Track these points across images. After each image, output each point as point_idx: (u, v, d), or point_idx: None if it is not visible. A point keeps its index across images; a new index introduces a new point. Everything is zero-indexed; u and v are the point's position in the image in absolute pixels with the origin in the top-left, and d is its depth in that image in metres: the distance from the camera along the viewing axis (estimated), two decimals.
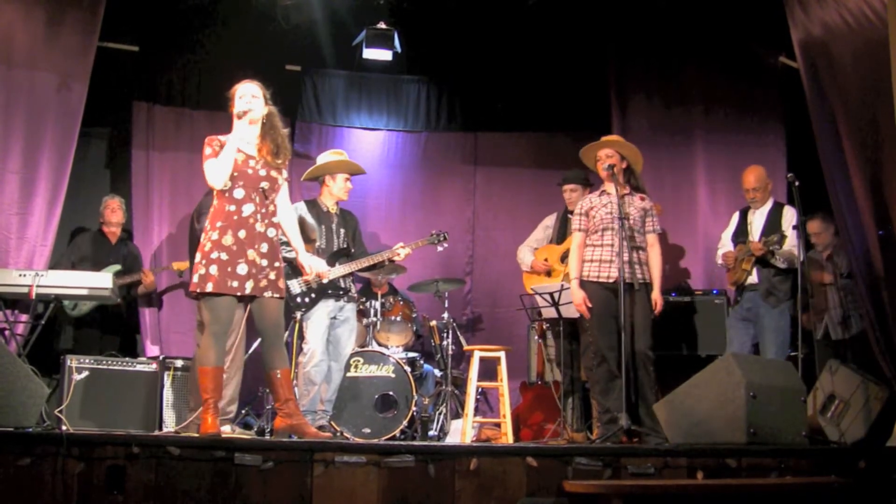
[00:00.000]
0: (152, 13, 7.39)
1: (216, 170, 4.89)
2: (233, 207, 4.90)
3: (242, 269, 4.85)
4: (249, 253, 4.88)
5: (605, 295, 5.76)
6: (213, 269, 4.81)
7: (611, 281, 5.76)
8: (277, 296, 4.98)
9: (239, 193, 4.92)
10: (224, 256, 4.83)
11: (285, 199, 5.17)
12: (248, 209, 4.92)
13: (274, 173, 5.06)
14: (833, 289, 6.57)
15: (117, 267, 6.88)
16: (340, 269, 6.24)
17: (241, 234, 4.88)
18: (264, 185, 4.99)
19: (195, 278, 4.85)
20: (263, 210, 4.98)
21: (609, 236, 5.81)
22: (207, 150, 4.94)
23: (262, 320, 4.98)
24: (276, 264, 4.99)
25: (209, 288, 4.80)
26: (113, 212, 7.06)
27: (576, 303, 5.84)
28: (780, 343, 6.27)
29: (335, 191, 6.41)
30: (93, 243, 6.99)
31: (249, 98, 5.04)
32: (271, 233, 5.00)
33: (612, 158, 5.92)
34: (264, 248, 4.94)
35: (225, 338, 4.98)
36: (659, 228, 5.96)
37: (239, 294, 4.86)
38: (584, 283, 5.86)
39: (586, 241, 5.94)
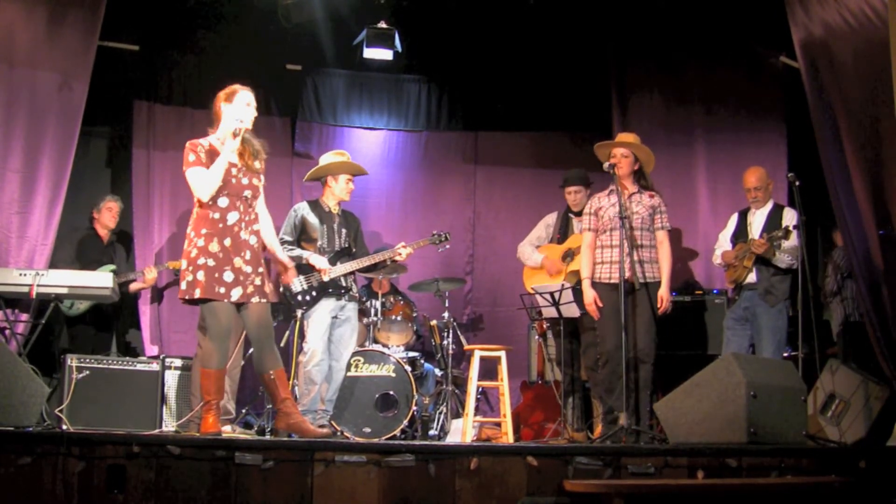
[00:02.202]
0: (153, 12, 7.38)
1: (206, 182, 4.87)
2: (217, 216, 4.91)
3: (228, 276, 4.87)
4: (236, 261, 4.90)
5: (614, 296, 5.73)
6: (201, 275, 4.82)
7: (613, 281, 5.75)
8: (264, 300, 5.00)
9: (223, 202, 4.93)
10: (211, 263, 4.84)
11: (262, 203, 5.20)
12: (232, 217, 4.93)
13: (255, 180, 5.06)
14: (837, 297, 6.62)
15: (112, 267, 6.87)
16: (341, 268, 6.24)
17: (227, 242, 4.89)
18: (247, 193, 5.00)
19: (183, 285, 4.87)
20: (247, 218, 5.00)
21: (616, 237, 5.80)
22: (191, 157, 4.91)
23: (251, 324, 5.01)
24: (260, 269, 5.02)
25: (196, 294, 4.82)
26: (112, 214, 7.03)
27: (587, 302, 5.84)
28: (776, 342, 6.25)
29: (337, 191, 6.41)
30: (86, 243, 6.94)
31: (253, 110, 5.05)
32: (253, 240, 5.02)
33: (628, 158, 5.92)
34: (248, 255, 4.96)
35: (227, 341, 4.99)
36: (668, 225, 5.96)
37: (225, 301, 4.87)
38: (593, 284, 5.87)
39: (599, 242, 5.92)
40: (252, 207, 5.05)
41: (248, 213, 5.01)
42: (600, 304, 5.79)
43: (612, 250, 5.81)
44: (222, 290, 4.84)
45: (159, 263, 7.35)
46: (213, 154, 4.95)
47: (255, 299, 4.94)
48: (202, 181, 4.87)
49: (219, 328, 4.89)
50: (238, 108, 5.01)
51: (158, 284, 7.45)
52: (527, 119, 8.30)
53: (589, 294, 5.84)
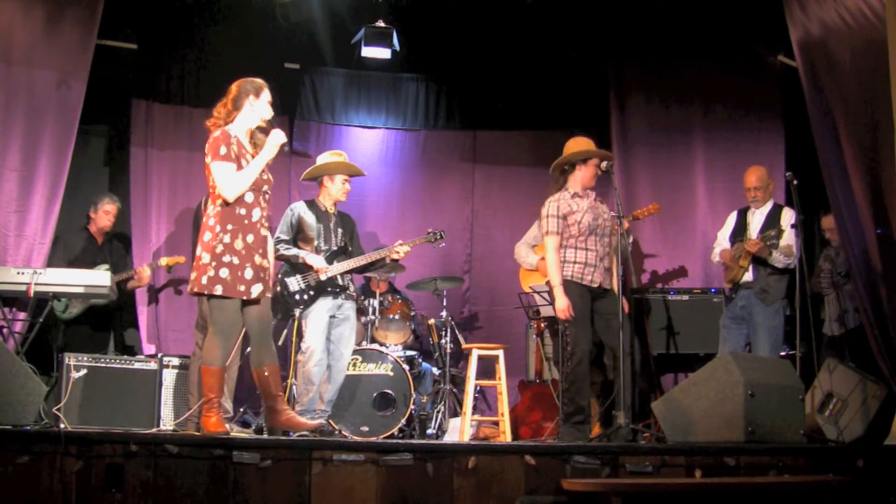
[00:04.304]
0: (151, 11, 7.38)
1: (236, 184, 4.83)
2: (243, 211, 4.89)
3: (248, 273, 4.86)
4: (256, 258, 4.91)
5: (587, 298, 5.66)
6: (224, 273, 4.79)
7: (595, 285, 5.66)
8: (269, 294, 5.04)
9: (249, 198, 4.91)
10: (235, 261, 4.82)
11: None
12: (256, 214, 4.93)
13: (270, 176, 5.08)
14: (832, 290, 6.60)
15: (106, 267, 6.84)
16: (338, 267, 6.23)
17: (250, 238, 4.88)
18: (265, 187, 5.01)
19: (203, 279, 4.79)
20: (265, 213, 5.03)
21: (593, 241, 5.69)
22: (223, 150, 4.83)
23: (255, 317, 5.01)
24: (268, 263, 5.07)
25: (218, 291, 4.78)
26: (108, 215, 6.97)
27: (560, 308, 5.59)
28: (773, 342, 6.25)
29: (333, 192, 6.38)
30: (81, 244, 6.88)
31: (271, 108, 5.06)
32: (266, 234, 5.06)
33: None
34: (263, 250, 4.99)
35: (230, 338, 4.98)
36: None
37: (245, 298, 4.87)
38: (567, 285, 5.64)
39: (567, 244, 5.71)
40: (268, 203, 5.07)
41: (266, 208, 5.03)
42: (572, 314, 5.59)
43: (587, 253, 5.68)
44: (242, 287, 4.84)
45: (151, 262, 7.32)
46: (240, 148, 4.92)
47: (266, 294, 5.00)
48: (232, 182, 4.82)
49: (226, 325, 4.89)
50: (263, 105, 4.99)
51: (155, 284, 7.44)
52: (525, 118, 8.30)
53: (563, 301, 5.58)
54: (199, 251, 4.87)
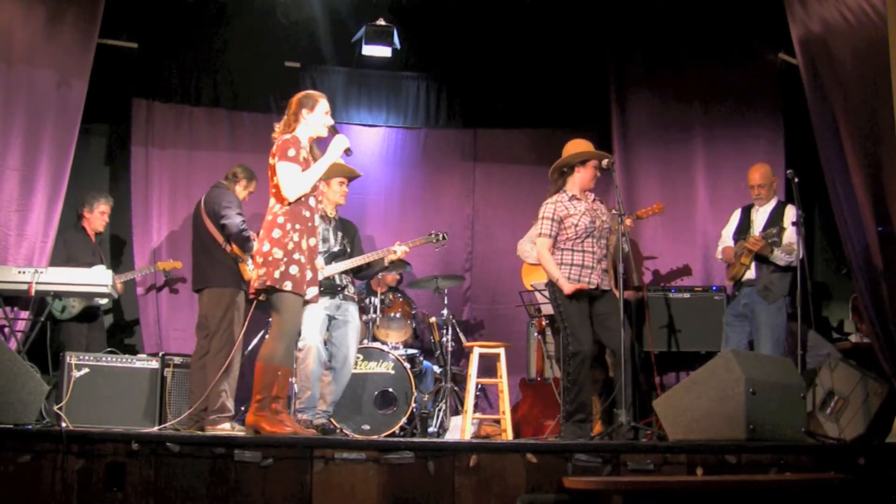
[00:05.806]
0: (152, 10, 7.39)
1: (300, 185, 4.91)
2: (308, 214, 4.99)
3: (309, 274, 4.96)
4: (315, 262, 5.05)
5: (585, 298, 5.65)
6: (294, 270, 4.86)
7: (592, 286, 5.63)
8: (313, 302, 5.17)
9: (311, 202, 5.03)
10: (302, 259, 4.91)
11: None
12: (316, 220, 5.07)
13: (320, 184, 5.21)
14: None
15: (103, 267, 6.82)
16: (335, 266, 6.22)
17: (312, 241, 5.00)
18: (321, 196, 5.23)
19: (276, 274, 4.81)
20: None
21: (590, 244, 5.67)
22: (291, 152, 4.92)
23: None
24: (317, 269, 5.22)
25: (288, 287, 4.82)
26: (103, 216, 6.93)
27: (567, 291, 5.56)
28: (775, 340, 6.24)
29: (331, 196, 6.34)
30: (78, 242, 6.85)
31: (330, 118, 5.14)
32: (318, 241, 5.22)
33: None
34: (317, 255, 5.15)
35: (294, 336, 5.08)
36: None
37: (305, 298, 4.96)
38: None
39: (564, 246, 5.70)
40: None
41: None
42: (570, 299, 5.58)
43: (584, 255, 5.66)
44: (306, 287, 4.93)
45: (151, 263, 7.30)
46: (307, 154, 5.04)
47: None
48: (296, 182, 4.90)
49: (295, 325, 4.99)
50: (319, 117, 5.07)
51: (156, 283, 7.45)
52: (526, 116, 8.30)
53: (568, 286, 5.56)
54: (267, 247, 4.87)
